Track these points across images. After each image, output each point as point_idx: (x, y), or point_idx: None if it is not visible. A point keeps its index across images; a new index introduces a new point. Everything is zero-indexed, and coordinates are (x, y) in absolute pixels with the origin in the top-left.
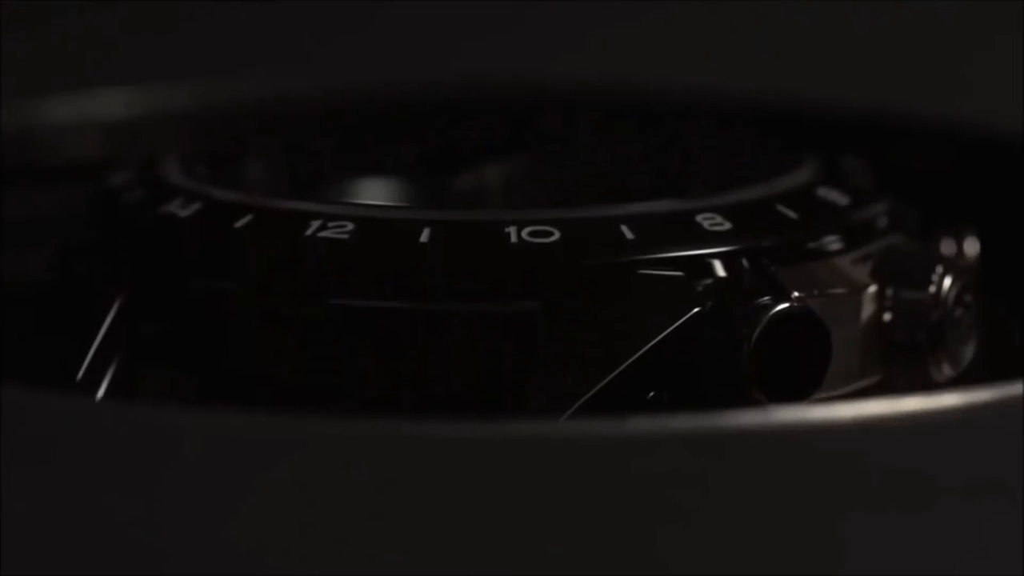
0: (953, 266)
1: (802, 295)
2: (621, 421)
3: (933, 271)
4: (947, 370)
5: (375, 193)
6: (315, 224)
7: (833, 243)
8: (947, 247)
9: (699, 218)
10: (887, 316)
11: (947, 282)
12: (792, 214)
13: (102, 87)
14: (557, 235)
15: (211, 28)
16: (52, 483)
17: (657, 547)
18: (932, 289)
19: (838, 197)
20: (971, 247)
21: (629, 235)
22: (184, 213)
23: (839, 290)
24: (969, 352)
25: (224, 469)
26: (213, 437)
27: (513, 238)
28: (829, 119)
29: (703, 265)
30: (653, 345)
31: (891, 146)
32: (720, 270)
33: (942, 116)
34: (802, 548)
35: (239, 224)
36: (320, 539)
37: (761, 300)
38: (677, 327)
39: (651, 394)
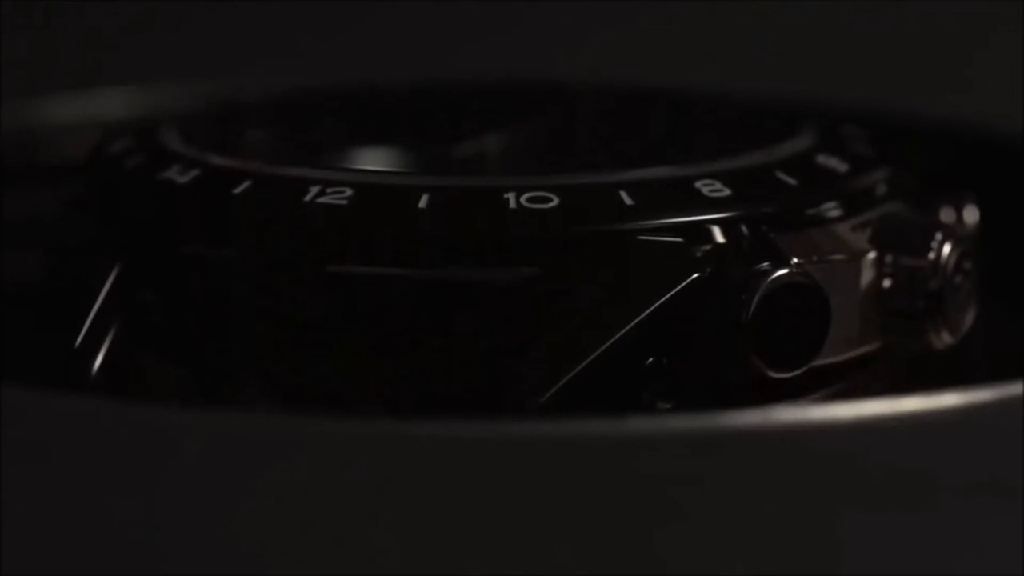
0: (952, 233)
1: (801, 261)
2: (622, 421)
3: (932, 238)
4: (946, 337)
5: (374, 161)
6: (314, 190)
7: (832, 210)
8: (946, 214)
9: (698, 184)
10: (886, 283)
11: (946, 249)
12: (791, 181)
13: (102, 87)
14: (556, 201)
15: (211, 28)
16: (52, 483)
17: (657, 547)
18: (931, 256)
19: (837, 164)
20: (970, 215)
21: (628, 201)
22: (182, 179)
23: (838, 257)
24: (968, 319)
25: (224, 469)
26: (213, 437)
27: (512, 204)
28: (829, 119)
29: (702, 231)
30: (652, 311)
31: (891, 146)
32: (719, 236)
33: (942, 116)
34: (802, 548)
35: (237, 190)
36: (320, 539)
37: (760, 266)
38: (676, 293)
39: (650, 360)
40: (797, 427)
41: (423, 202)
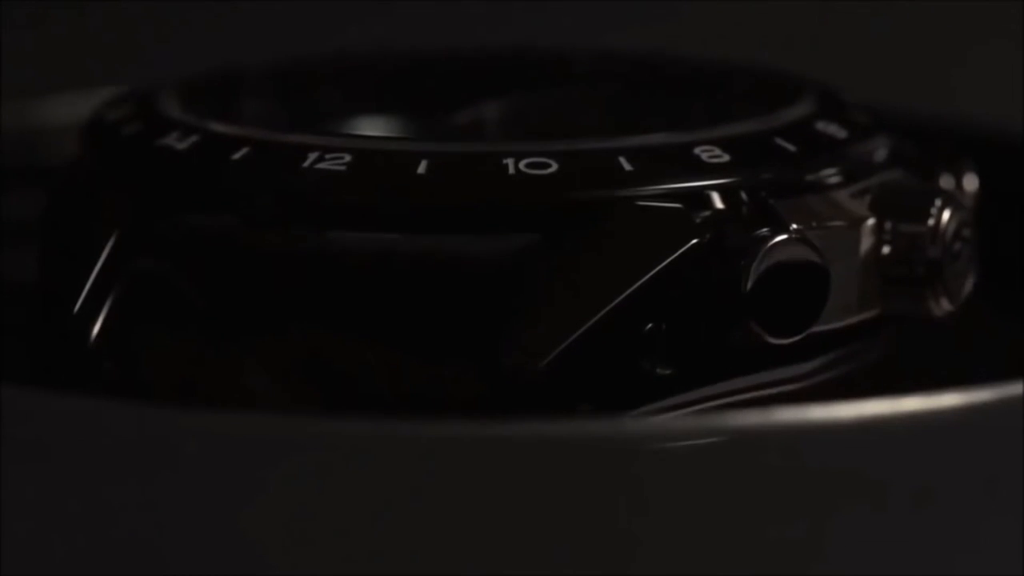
0: (952, 200)
1: (800, 228)
2: (620, 421)
3: (932, 204)
4: (945, 304)
5: (373, 129)
6: (312, 156)
7: (832, 176)
8: (946, 181)
9: (697, 150)
10: (886, 249)
11: (946, 216)
12: (791, 147)
13: (102, 87)
14: (555, 167)
15: (211, 28)
16: (52, 483)
17: (656, 548)
18: (931, 222)
19: (837, 131)
20: (970, 182)
21: (627, 167)
22: (181, 146)
23: (838, 223)
24: (968, 286)
25: (224, 469)
26: (213, 437)
27: (511, 170)
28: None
29: (701, 197)
30: (651, 277)
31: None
32: (718, 202)
33: (942, 116)
34: (802, 548)
35: (236, 157)
36: (320, 539)
37: (759, 232)
38: (675, 259)
39: (649, 326)
40: (797, 427)
41: (422, 168)
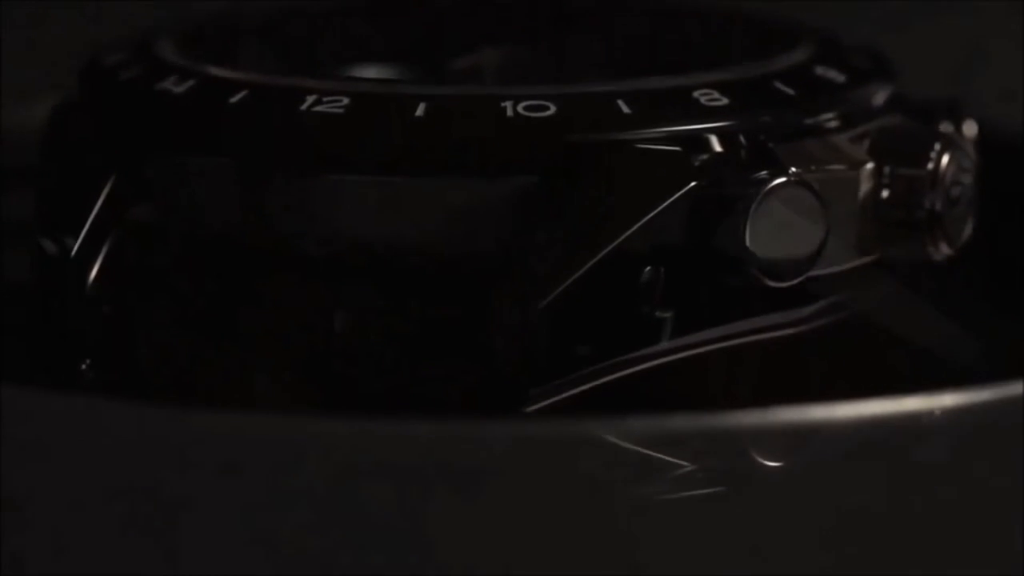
0: (951, 144)
1: (799, 171)
2: (622, 421)
3: (931, 149)
4: (944, 248)
5: (371, 73)
6: (310, 99)
7: (831, 120)
8: (945, 127)
9: (696, 94)
10: (884, 193)
11: (945, 160)
12: (790, 91)
13: None
14: (554, 109)
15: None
16: (52, 483)
17: (656, 547)
18: (930, 166)
19: (836, 75)
20: (969, 128)
21: (626, 110)
22: (178, 90)
23: (836, 167)
24: (967, 231)
25: (223, 469)
26: (213, 437)
27: (510, 112)
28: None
29: (700, 140)
30: (650, 219)
31: None
32: (717, 145)
33: None
34: (800, 546)
35: (234, 100)
36: (319, 538)
37: (758, 175)
38: (674, 202)
39: (647, 269)
40: (797, 426)
41: (420, 111)
